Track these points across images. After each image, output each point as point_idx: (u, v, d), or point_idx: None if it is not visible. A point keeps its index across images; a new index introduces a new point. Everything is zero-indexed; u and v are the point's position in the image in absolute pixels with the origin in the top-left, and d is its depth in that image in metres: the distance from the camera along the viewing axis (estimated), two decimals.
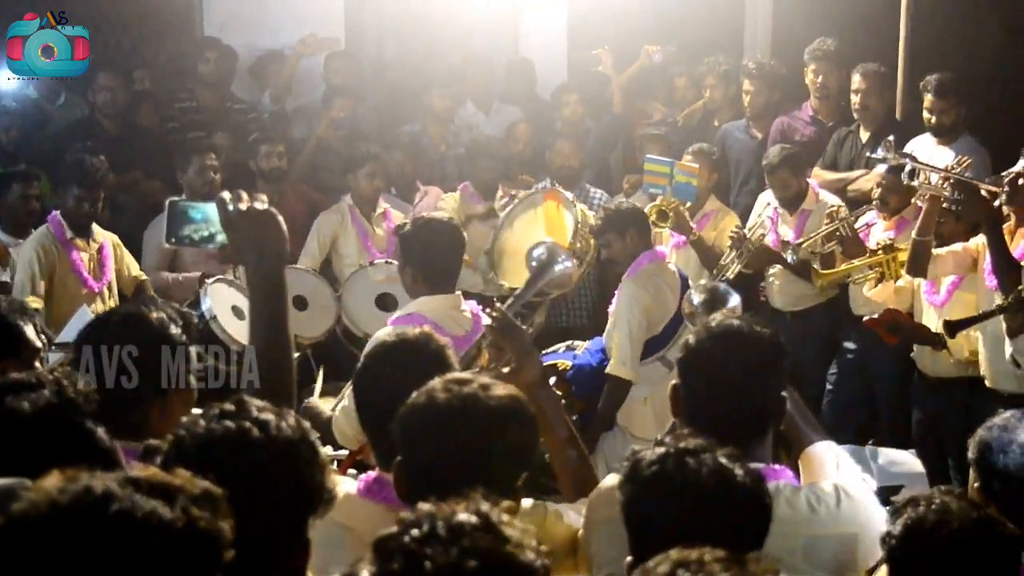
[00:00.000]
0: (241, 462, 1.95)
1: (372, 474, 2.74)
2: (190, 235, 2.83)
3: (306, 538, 2.01)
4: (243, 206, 2.67)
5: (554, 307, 6.78)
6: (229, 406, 2.04)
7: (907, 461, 4.88)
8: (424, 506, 1.70)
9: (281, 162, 7.09)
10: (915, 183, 5.41)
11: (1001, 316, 4.88)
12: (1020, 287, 4.81)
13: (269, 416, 2.01)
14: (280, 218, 2.71)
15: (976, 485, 2.75)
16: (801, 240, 6.06)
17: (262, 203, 2.69)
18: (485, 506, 1.69)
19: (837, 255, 6.05)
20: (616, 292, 5.59)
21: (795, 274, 6.25)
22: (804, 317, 6.47)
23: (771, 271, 6.51)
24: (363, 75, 8.28)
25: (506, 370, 3.20)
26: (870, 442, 5.85)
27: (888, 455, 5.02)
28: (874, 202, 6.03)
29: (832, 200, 6.44)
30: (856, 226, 6.01)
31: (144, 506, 1.51)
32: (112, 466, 2.07)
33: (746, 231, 6.30)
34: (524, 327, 3.52)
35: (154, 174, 7.23)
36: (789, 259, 6.06)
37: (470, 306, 4.53)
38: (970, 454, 2.79)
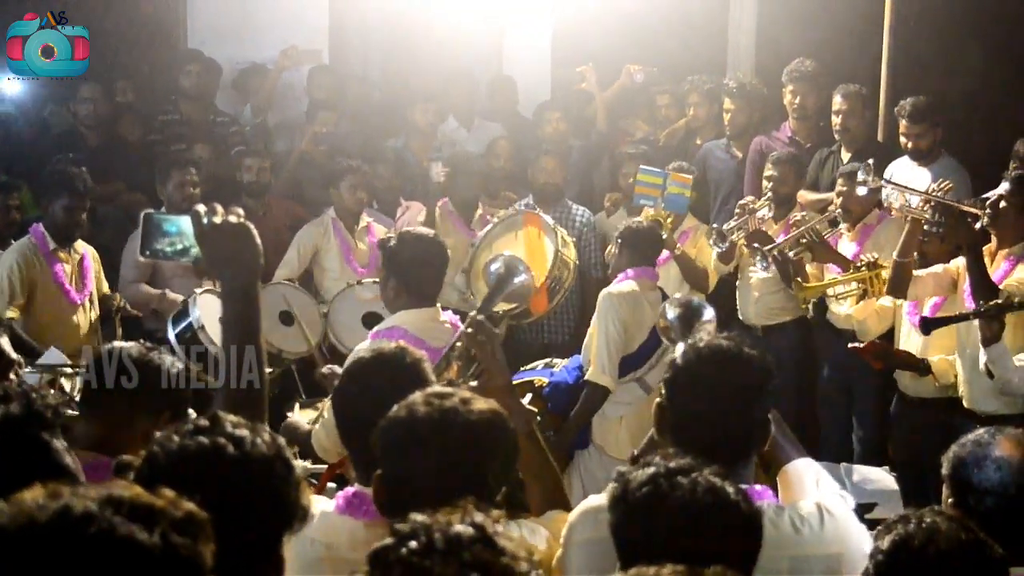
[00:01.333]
0: (215, 478, 1.92)
1: (351, 490, 2.74)
2: (164, 248, 2.82)
3: (280, 555, 1.99)
4: (217, 219, 2.65)
5: (536, 325, 6.77)
6: (203, 422, 2.02)
7: (881, 479, 4.87)
8: (418, 517, 1.70)
9: (266, 176, 7.08)
10: (896, 206, 5.45)
11: (977, 326, 4.90)
12: (999, 298, 4.83)
13: (244, 432, 2.00)
14: (254, 232, 2.70)
15: (950, 501, 2.76)
16: (769, 246, 6.07)
17: (237, 216, 2.68)
18: (479, 517, 1.69)
19: (806, 261, 6.09)
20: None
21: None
22: (776, 332, 6.49)
23: (752, 279, 6.52)
24: (347, 89, 8.28)
25: (474, 384, 3.20)
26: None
27: (862, 472, 5.02)
28: (836, 212, 6.07)
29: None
30: (824, 235, 6.04)
31: (122, 529, 1.48)
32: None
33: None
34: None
35: (136, 186, 7.22)
36: (759, 265, 6.08)
37: (448, 316, 4.55)
38: (944, 470, 2.80)
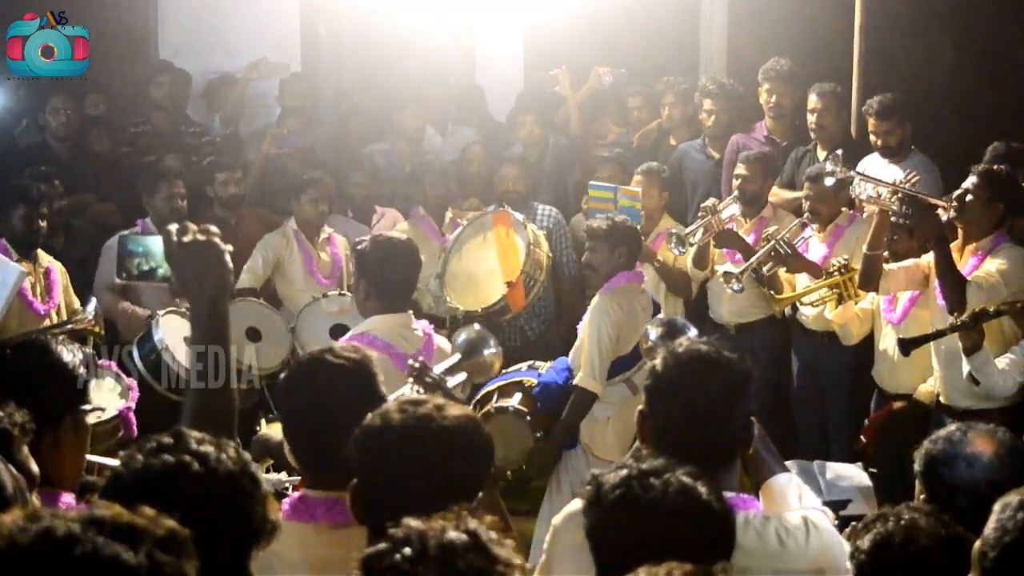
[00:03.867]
0: (181, 496, 1.90)
1: (295, 495, 2.75)
2: (132, 269, 2.85)
3: (248, 571, 1.97)
4: (187, 238, 2.64)
5: (507, 327, 6.67)
6: (167, 439, 2.00)
7: (855, 475, 4.90)
8: (412, 523, 1.69)
9: (238, 188, 7.05)
10: (863, 196, 5.46)
11: (956, 334, 4.93)
12: (974, 307, 4.85)
13: (209, 448, 1.98)
14: (224, 249, 2.69)
15: (922, 497, 2.76)
16: (741, 268, 6.07)
17: (207, 235, 2.66)
18: (473, 523, 1.69)
19: (780, 274, 6.08)
20: (588, 307, 5.57)
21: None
22: (749, 331, 6.47)
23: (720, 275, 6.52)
24: (318, 98, 8.25)
25: None
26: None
27: (836, 469, 5.04)
28: (805, 215, 6.06)
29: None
30: (794, 242, 6.02)
31: (107, 550, 1.45)
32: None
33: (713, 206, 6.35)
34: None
35: (107, 198, 7.19)
36: (733, 287, 6.06)
37: (421, 325, 4.57)
38: (916, 466, 2.80)
